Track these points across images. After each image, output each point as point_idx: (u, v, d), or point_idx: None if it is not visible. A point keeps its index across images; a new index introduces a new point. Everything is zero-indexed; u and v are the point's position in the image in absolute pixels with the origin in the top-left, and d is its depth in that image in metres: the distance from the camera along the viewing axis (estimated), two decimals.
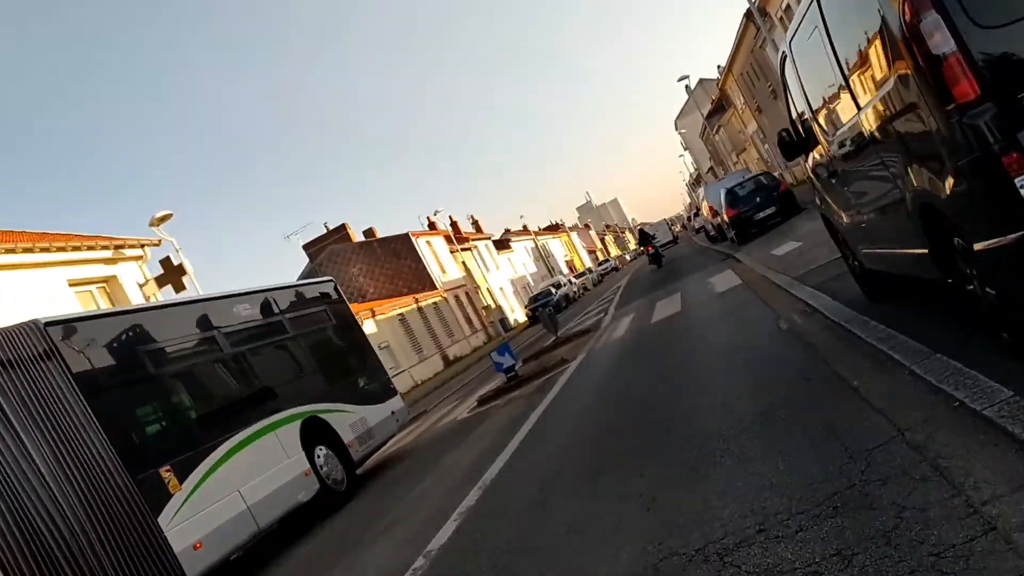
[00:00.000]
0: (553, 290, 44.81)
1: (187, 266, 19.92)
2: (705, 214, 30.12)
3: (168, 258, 20.28)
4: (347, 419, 10.68)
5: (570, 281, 52.12)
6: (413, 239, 43.12)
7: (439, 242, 46.09)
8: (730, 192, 22.29)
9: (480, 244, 55.30)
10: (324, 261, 44.13)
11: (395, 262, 43.55)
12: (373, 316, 33.63)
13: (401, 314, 36.80)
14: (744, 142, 49.92)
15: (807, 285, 7.59)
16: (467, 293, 47.05)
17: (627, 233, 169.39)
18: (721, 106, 59.13)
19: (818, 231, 13.25)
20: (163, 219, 19.47)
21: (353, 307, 37.63)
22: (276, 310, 10.85)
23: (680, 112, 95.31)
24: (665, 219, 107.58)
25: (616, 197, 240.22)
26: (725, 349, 7.10)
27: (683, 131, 78.55)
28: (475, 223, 59.81)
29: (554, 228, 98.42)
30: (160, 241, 20.54)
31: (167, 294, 20.93)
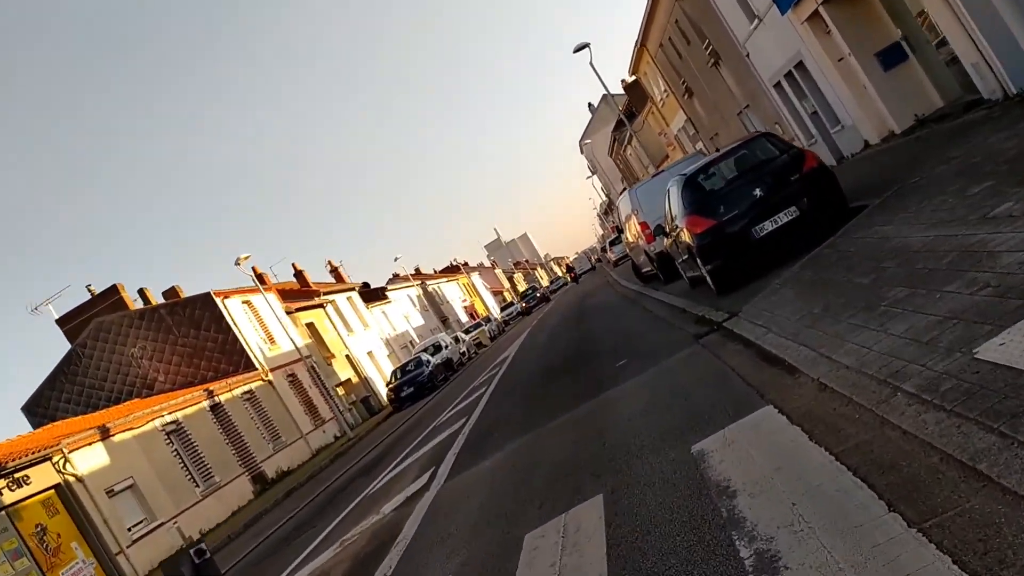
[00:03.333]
0: (426, 357, 32.30)
1: None
2: (632, 236, 18.24)
3: None
4: None
5: (457, 339, 39.69)
6: (217, 300, 29.98)
7: (263, 301, 32.99)
8: (691, 183, 10.53)
9: (339, 297, 42.38)
10: (90, 339, 30.39)
11: (195, 335, 30.26)
12: (106, 437, 20.33)
13: (175, 421, 23.55)
14: (667, 146, 39.11)
15: None
16: (312, 368, 33.98)
17: (539, 270, 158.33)
18: (631, 112, 48.58)
19: None
20: None
21: (66, 423, 18.33)
22: None
23: (584, 131, 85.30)
24: (583, 252, 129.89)
25: (526, 232, 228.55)
26: None
27: (587, 142, 68.08)
28: (335, 271, 46.82)
29: (454, 270, 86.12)
30: None
31: None
